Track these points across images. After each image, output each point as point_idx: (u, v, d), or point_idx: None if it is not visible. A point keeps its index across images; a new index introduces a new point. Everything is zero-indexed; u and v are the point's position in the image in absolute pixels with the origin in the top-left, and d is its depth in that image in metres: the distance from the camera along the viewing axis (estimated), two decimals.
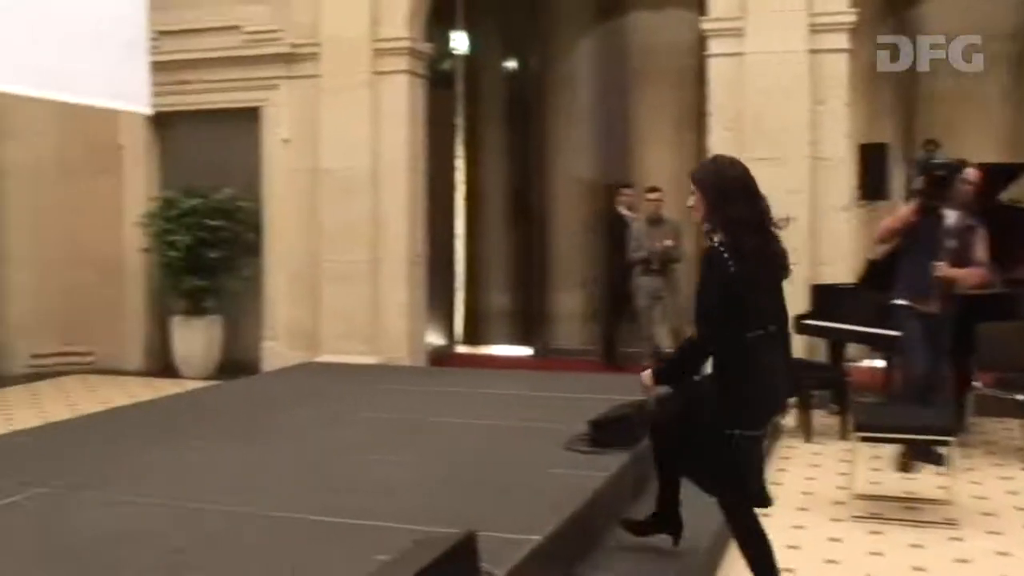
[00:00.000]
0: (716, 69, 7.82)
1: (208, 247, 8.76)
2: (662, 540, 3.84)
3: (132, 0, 7.38)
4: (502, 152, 10.50)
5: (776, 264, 3.50)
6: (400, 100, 8.69)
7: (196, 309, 8.92)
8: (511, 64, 10.60)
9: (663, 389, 3.71)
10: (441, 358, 9.70)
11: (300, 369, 7.67)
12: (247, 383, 7.19)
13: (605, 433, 4.81)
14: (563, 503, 3.61)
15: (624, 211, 8.93)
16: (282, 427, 5.15)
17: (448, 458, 4.46)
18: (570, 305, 10.21)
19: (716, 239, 3.43)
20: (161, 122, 9.16)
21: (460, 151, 10.39)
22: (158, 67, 8.74)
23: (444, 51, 10.10)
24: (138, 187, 9.37)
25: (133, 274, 9.37)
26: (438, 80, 9.84)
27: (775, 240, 3.49)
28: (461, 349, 10.41)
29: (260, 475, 4.13)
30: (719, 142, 7.67)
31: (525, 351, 10.15)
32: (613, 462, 4.41)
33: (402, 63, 8.67)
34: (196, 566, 2.93)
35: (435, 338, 9.98)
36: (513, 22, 10.49)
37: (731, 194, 3.45)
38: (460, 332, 10.50)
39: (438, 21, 9.51)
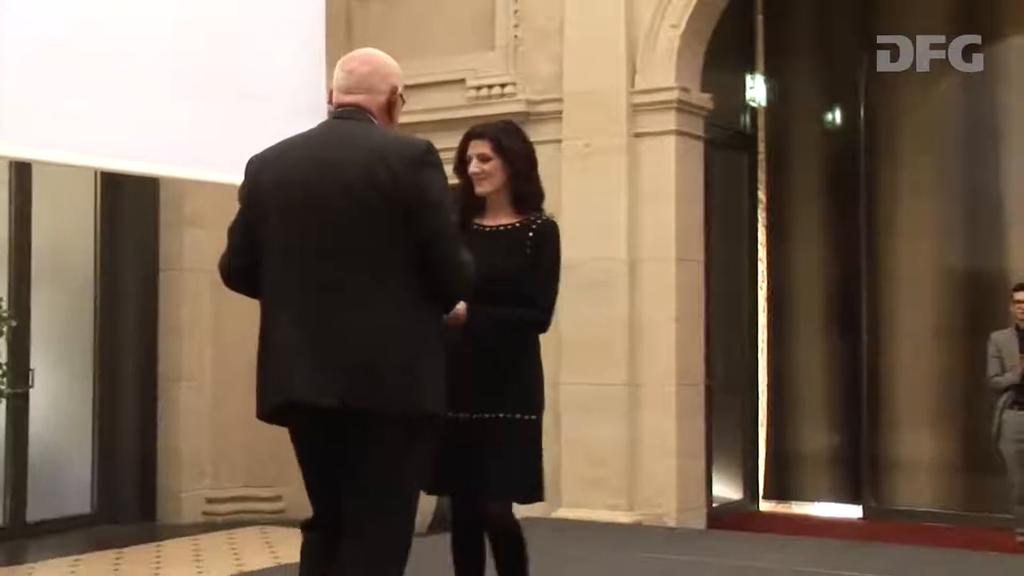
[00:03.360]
0: None
1: None
2: None
3: (310, 61, 7.96)
4: (821, 235, 10.31)
5: None
6: (667, 169, 8.70)
7: None
8: (833, 116, 10.40)
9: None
10: (732, 518, 9.50)
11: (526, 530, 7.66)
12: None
13: None
14: None
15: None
16: None
17: None
18: (916, 446, 9.74)
19: (533, 216, 4.56)
20: None
21: (762, 235, 10.21)
22: None
23: (737, 103, 10.07)
24: None
25: None
26: (729, 142, 9.88)
27: None
28: (764, 507, 10.15)
29: None
30: None
31: (852, 511, 9.81)
32: None
33: (669, 121, 8.70)
34: None
35: (724, 490, 9.82)
36: (835, 59, 10.33)
37: (534, 165, 4.65)
38: (761, 483, 10.21)
39: (725, 64, 9.54)
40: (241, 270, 3.83)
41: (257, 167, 3.87)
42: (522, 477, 4.48)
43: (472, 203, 4.61)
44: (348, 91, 3.86)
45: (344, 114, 3.86)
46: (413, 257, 3.62)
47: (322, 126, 3.91)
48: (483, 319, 4.36)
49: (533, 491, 4.54)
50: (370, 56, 3.97)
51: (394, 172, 3.60)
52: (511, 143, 4.59)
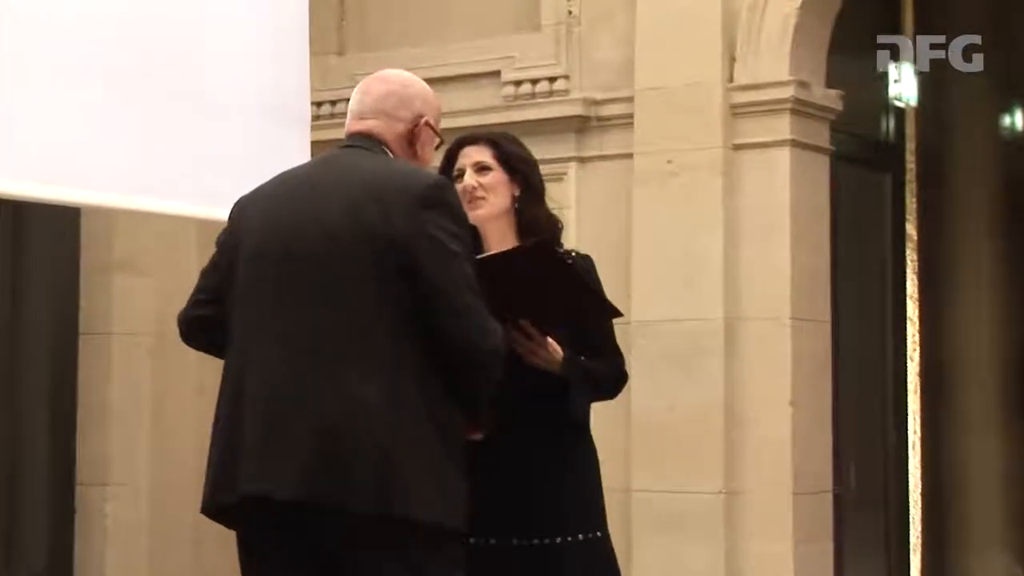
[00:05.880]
0: None
1: None
2: None
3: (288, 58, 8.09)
4: (995, 285, 10.33)
5: None
6: (779, 194, 8.51)
7: None
8: (1012, 120, 10.55)
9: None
10: None
11: None
12: None
13: None
14: None
15: None
16: None
17: None
18: None
19: (559, 252, 4.65)
20: None
21: (912, 285, 10.00)
22: None
23: (876, 102, 9.92)
24: None
25: None
26: (867, 156, 9.83)
27: None
28: None
29: None
30: None
31: None
32: None
33: (782, 127, 8.51)
34: None
35: None
36: (1018, 42, 10.30)
37: (544, 189, 4.83)
38: None
39: (859, 49, 9.39)
40: (198, 321, 4.11)
41: (238, 210, 4.15)
42: None
43: None
44: (360, 116, 4.16)
45: (352, 143, 4.12)
46: (413, 321, 3.81)
47: (319, 158, 4.25)
48: (578, 370, 4.52)
49: None
50: (390, 75, 4.28)
51: (387, 213, 3.82)
52: (518, 151, 4.69)
